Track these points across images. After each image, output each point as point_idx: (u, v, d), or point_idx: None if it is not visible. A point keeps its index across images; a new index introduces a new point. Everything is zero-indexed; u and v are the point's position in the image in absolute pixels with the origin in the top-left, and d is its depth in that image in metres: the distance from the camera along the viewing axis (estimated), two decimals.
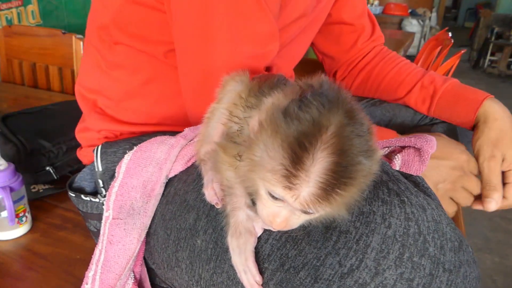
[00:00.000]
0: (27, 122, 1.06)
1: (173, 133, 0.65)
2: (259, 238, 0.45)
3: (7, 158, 0.83)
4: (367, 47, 0.90)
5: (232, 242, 0.45)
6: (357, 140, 0.34)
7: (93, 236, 0.72)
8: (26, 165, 0.93)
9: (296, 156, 0.33)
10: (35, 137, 0.98)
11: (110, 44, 0.68)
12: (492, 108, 0.70)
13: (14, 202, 0.78)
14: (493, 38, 5.70)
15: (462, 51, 1.92)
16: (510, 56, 5.54)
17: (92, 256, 0.60)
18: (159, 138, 0.62)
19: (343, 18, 0.86)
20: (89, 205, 0.67)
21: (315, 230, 0.43)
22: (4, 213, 0.78)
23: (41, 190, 0.95)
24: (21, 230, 0.82)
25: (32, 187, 0.95)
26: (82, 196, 0.67)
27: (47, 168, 0.97)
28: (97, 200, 0.66)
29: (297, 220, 0.39)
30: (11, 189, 0.77)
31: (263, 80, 0.48)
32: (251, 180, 0.38)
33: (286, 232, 0.44)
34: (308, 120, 0.34)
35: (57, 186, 0.97)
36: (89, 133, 0.72)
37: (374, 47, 0.90)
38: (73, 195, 0.68)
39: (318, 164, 0.33)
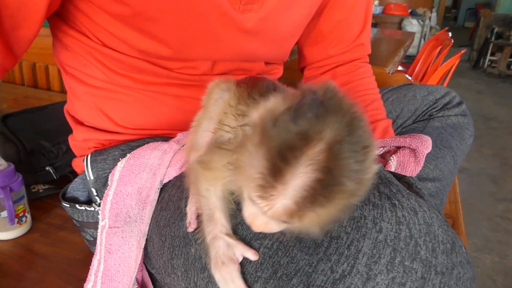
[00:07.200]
0: (27, 122, 1.06)
1: (166, 139, 0.64)
2: (251, 247, 0.45)
3: (7, 158, 0.83)
4: (339, 58, 0.82)
5: (216, 274, 0.45)
6: (347, 160, 0.32)
7: (89, 246, 0.71)
8: (26, 165, 0.93)
9: (277, 168, 0.32)
10: (35, 137, 0.98)
11: (64, 75, 0.70)
12: None
13: (14, 202, 0.78)
14: (493, 38, 5.70)
15: (462, 51, 1.91)
16: (510, 56, 5.55)
17: (90, 267, 0.59)
18: (152, 145, 0.61)
19: (321, 27, 0.78)
20: (84, 214, 0.66)
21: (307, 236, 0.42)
22: (4, 213, 0.78)
23: (41, 190, 0.95)
24: (21, 230, 0.82)
25: (32, 187, 0.95)
26: (77, 205, 0.66)
27: (47, 168, 0.97)
28: (92, 208, 0.65)
29: (277, 225, 0.38)
30: (11, 189, 0.77)
31: (251, 86, 0.47)
32: (236, 182, 0.38)
33: (277, 239, 0.44)
34: (296, 133, 0.32)
35: (57, 186, 0.97)
36: (78, 143, 0.72)
37: (347, 63, 0.82)
38: (68, 205, 0.67)
39: (299, 179, 0.32)
